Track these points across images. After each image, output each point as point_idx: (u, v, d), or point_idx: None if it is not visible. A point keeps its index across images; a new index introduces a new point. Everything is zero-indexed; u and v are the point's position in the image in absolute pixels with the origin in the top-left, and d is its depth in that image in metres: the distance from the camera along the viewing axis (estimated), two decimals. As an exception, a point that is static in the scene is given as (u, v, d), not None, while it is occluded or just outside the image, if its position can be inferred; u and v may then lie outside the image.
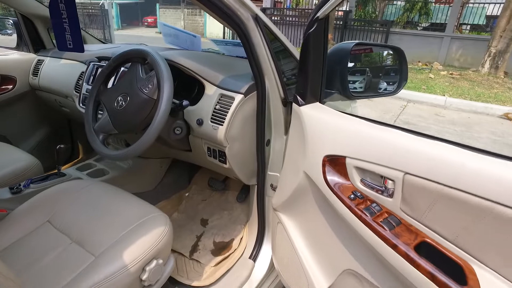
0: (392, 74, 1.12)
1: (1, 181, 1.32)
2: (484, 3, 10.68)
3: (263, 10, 10.87)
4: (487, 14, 10.82)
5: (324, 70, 0.93)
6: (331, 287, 1.01)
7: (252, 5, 0.98)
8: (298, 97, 0.97)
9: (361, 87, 1.24)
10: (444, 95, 5.85)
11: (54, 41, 1.96)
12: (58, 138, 2.05)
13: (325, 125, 0.89)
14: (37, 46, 1.91)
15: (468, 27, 12.31)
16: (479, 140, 4.17)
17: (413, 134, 0.74)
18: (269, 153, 1.21)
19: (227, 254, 1.38)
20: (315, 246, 1.04)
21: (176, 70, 1.22)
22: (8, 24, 2.31)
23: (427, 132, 0.76)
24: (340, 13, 10.72)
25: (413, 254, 0.66)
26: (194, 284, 1.24)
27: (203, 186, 1.77)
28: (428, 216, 0.68)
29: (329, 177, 0.85)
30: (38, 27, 1.86)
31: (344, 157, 0.82)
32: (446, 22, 9.62)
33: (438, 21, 10.93)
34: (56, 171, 1.51)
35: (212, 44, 1.68)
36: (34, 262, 0.93)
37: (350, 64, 1.34)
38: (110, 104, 1.13)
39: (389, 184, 0.74)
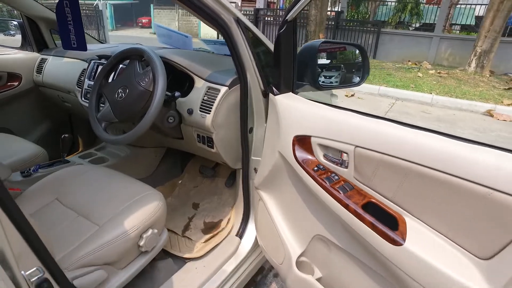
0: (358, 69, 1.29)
1: (12, 167, 1.47)
2: (471, 4, 10.95)
3: (257, 10, 11.05)
4: (476, 15, 11.06)
5: (295, 65, 1.09)
6: (303, 253, 1.18)
7: (234, 9, 1.13)
8: (273, 88, 1.13)
9: (336, 81, 1.41)
10: (431, 93, 6.05)
11: (56, 41, 2.11)
12: (60, 132, 2.20)
13: (295, 110, 1.05)
14: (41, 46, 2.06)
15: (459, 27, 12.59)
16: (461, 136, 4.35)
17: (362, 115, 0.90)
18: (252, 139, 1.36)
19: (216, 232, 1.54)
20: (290, 217, 1.20)
21: (169, 66, 1.38)
22: (11, 26, 2.45)
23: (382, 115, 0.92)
24: (332, 13, 10.93)
25: (360, 211, 0.82)
26: (186, 256, 1.39)
27: (195, 174, 1.93)
28: (373, 180, 0.85)
29: (298, 154, 1.01)
30: (42, 28, 2.01)
31: (310, 137, 0.98)
32: (443, 24, 9.88)
33: (429, 22, 11.16)
34: (61, 158, 1.66)
35: (202, 43, 1.84)
36: (46, 232, 1.07)
37: (327, 61, 1.51)
38: (111, 96, 1.28)
39: (345, 157, 0.90)
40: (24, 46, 2.10)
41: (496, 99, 5.85)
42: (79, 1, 1.43)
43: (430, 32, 9.61)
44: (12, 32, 2.45)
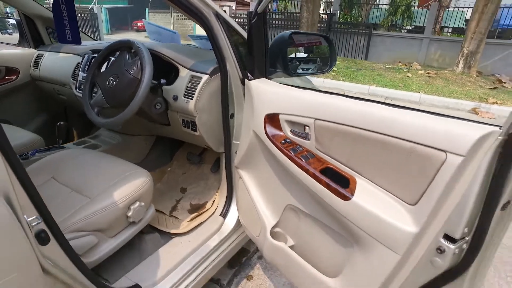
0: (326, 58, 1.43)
1: (11, 151, 1.58)
2: (461, 7, 11.19)
3: (250, 13, 11.19)
4: (467, 17, 11.29)
5: (267, 53, 1.22)
6: (278, 224, 1.30)
7: (213, 4, 1.26)
8: (248, 74, 1.26)
9: (314, 71, 1.55)
10: (419, 92, 6.22)
11: (52, 38, 2.23)
12: (56, 123, 2.32)
13: (267, 93, 1.18)
14: (37, 42, 2.18)
15: (450, 29, 12.84)
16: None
17: (321, 92, 1.03)
18: (233, 124, 1.48)
19: (201, 212, 1.66)
20: (265, 191, 1.32)
21: (157, 58, 1.50)
22: (9, 25, 2.57)
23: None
24: (325, 16, 11.12)
25: (318, 174, 0.95)
26: (172, 231, 1.51)
27: (183, 162, 2.05)
28: (330, 148, 0.97)
29: (268, 130, 1.13)
30: (38, 26, 2.13)
31: (278, 114, 1.11)
32: (433, 26, 10.10)
33: (420, 24, 11.39)
34: (57, 145, 1.78)
35: (190, 39, 1.97)
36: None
37: (305, 55, 1.64)
38: (103, 84, 1.40)
39: (307, 129, 1.03)
40: (21, 43, 2.22)
41: (481, 98, 6.02)
42: (75, 5, 1.55)
43: (421, 34, 9.83)
44: (9, 31, 2.56)
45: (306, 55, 1.65)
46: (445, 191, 0.72)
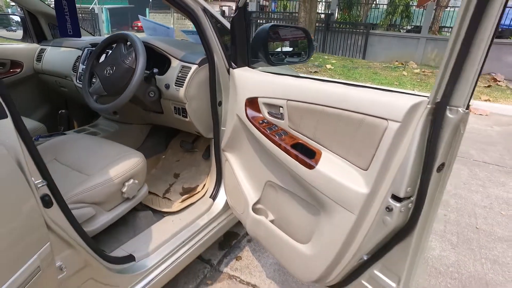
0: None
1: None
2: (458, 7, 11.30)
3: (249, 13, 11.35)
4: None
5: (249, 43, 1.34)
6: (259, 201, 1.42)
7: (200, 0, 1.39)
8: (232, 63, 1.38)
9: (295, 60, 1.68)
10: (413, 90, 6.34)
11: (53, 33, 2.36)
12: (57, 114, 2.45)
13: (248, 79, 1.31)
14: (40, 37, 2.32)
15: (450, 29, 12.96)
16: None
17: (292, 77, 1.15)
18: (221, 112, 1.61)
19: (192, 194, 1.78)
20: (248, 171, 1.44)
21: (151, 50, 1.63)
22: (13, 22, 2.70)
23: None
24: (323, 16, 11.25)
25: (289, 148, 1.08)
26: (164, 210, 1.64)
27: (177, 150, 2.18)
28: (300, 125, 1.10)
29: (248, 113, 1.26)
30: (41, 22, 2.26)
31: (257, 98, 1.23)
32: (429, 25, 10.22)
33: (419, 24, 11.49)
34: (59, 131, 1.91)
35: (183, 34, 2.09)
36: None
37: (290, 48, 1.77)
38: (101, 73, 1.53)
39: (281, 110, 1.15)
40: (25, 38, 2.35)
41: (475, 95, 6.12)
42: (76, 5, 1.68)
43: (418, 33, 9.94)
44: (13, 28, 2.70)
45: (288, 46, 1.77)
46: (388, 155, 0.84)
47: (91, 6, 14.68)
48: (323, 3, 13.03)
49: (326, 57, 9.30)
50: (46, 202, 0.89)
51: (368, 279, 1.09)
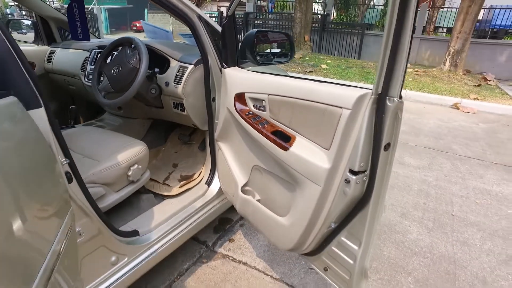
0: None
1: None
2: (455, 8, 11.52)
3: (247, 14, 11.57)
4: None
5: (237, 46, 1.55)
6: (247, 183, 1.63)
7: (195, 8, 1.59)
8: (223, 63, 1.59)
9: (280, 61, 1.89)
10: (405, 89, 6.54)
11: (62, 36, 2.57)
12: (65, 111, 2.65)
13: (236, 77, 1.51)
14: (50, 40, 2.53)
15: (445, 29, 13.17)
16: (425, 125, 4.84)
17: (273, 75, 1.36)
18: (215, 107, 1.81)
19: (190, 181, 1.99)
20: (237, 157, 1.65)
21: (152, 51, 1.84)
22: (23, 25, 2.91)
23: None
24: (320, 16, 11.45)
25: (269, 134, 1.28)
26: (164, 193, 1.85)
27: (176, 143, 2.39)
28: (279, 115, 1.30)
29: (237, 106, 1.46)
30: (52, 26, 2.47)
31: (244, 93, 1.44)
32: (424, 25, 10.42)
33: (415, 25, 11.69)
34: (69, 125, 2.11)
35: (181, 37, 2.30)
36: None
37: (278, 50, 1.97)
38: (109, 72, 1.74)
39: (264, 103, 1.36)
40: (36, 40, 2.55)
41: (464, 94, 6.34)
42: (75, 5, 1.88)
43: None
44: (24, 31, 2.90)
45: (277, 48, 1.98)
46: (343, 136, 1.05)
47: (90, 7, 14.84)
48: (320, 4, 13.23)
49: (321, 57, 9.51)
50: (68, 178, 1.10)
51: (337, 245, 1.30)
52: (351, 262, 1.25)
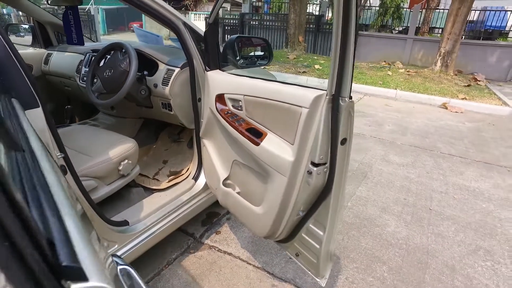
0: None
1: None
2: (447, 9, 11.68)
3: (242, 15, 11.72)
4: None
5: (219, 51, 1.69)
6: (229, 177, 1.76)
7: (181, 16, 1.72)
8: (206, 66, 1.72)
9: (259, 63, 2.02)
10: (396, 89, 6.69)
11: (58, 40, 2.70)
12: (61, 111, 2.79)
13: (217, 80, 1.65)
14: (47, 43, 2.65)
15: (441, 30, 13.30)
16: (413, 124, 4.98)
17: (249, 78, 1.50)
18: (200, 106, 1.94)
19: (178, 176, 2.13)
20: (219, 153, 1.79)
21: (142, 55, 1.97)
22: (21, 29, 3.04)
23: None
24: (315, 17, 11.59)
25: (244, 131, 1.42)
26: (153, 187, 1.98)
27: (166, 141, 2.52)
28: (253, 114, 1.44)
29: (218, 106, 1.60)
30: (48, 31, 2.60)
31: (224, 94, 1.57)
32: (418, 26, 10.55)
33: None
34: (64, 124, 2.25)
35: (171, 41, 2.44)
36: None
37: (261, 53, 2.10)
38: (102, 75, 1.87)
39: (240, 103, 1.49)
40: (33, 44, 2.68)
41: (454, 94, 6.48)
42: (70, 13, 2.02)
43: (405, 34, 10.30)
44: (22, 34, 3.04)
45: (261, 52, 2.12)
46: (304, 132, 1.19)
47: (87, 7, 14.92)
48: (315, 5, 13.36)
49: (315, 57, 9.65)
50: (63, 170, 1.23)
51: (306, 232, 1.44)
52: (318, 246, 1.38)
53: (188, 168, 2.19)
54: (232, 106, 1.55)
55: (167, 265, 1.99)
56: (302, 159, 1.24)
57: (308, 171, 1.23)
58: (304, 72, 7.89)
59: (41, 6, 2.55)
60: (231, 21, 12.74)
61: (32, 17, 2.50)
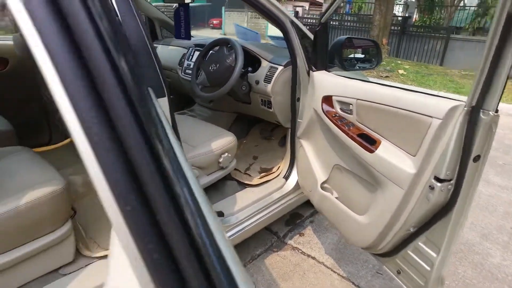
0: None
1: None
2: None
3: (323, 14, 11.47)
4: None
5: (327, 52, 1.64)
6: (327, 181, 1.71)
7: (288, 13, 1.71)
8: (312, 66, 1.69)
9: (365, 67, 1.93)
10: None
11: (162, 34, 2.90)
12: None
13: (325, 81, 1.60)
14: (153, 37, 2.87)
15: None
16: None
17: (361, 81, 1.42)
18: (299, 106, 1.92)
19: (269, 173, 2.14)
20: (319, 155, 1.74)
21: (245, 52, 2.01)
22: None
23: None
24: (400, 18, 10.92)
25: (355, 136, 1.36)
26: (246, 182, 2.02)
27: (257, 137, 2.56)
28: (365, 119, 1.37)
29: (324, 108, 1.55)
30: (156, 26, 2.81)
31: (332, 96, 1.52)
32: None
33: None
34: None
35: (269, 39, 2.46)
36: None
37: (362, 55, 2.02)
38: (207, 69, 1.95)
39: (350, 107, 1.43)
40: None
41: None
42: (181, 10, 2.14)
43: None
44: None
45: (361, 55, 2.02)
46: (431, 145, 1.08)
47: (174, 5, 15.89)
48: (401, 5, 12.58)
49: (399, 62, 9.08)
50: None
51: (413, 249, 1.33)
52: (428, 268, 1.27)
53: (279, 167, 2.19)
54: (340, 109, 1.50)
55: (251, 260, 2.01)
56: (424, 172, 1.13)
57: (430, 186, 1.13)
58: (386, 76, 7.48)
59: (152, 4, 2.76)
60: (309, 21, 12.58)
61: (143, 13, 2.72)
